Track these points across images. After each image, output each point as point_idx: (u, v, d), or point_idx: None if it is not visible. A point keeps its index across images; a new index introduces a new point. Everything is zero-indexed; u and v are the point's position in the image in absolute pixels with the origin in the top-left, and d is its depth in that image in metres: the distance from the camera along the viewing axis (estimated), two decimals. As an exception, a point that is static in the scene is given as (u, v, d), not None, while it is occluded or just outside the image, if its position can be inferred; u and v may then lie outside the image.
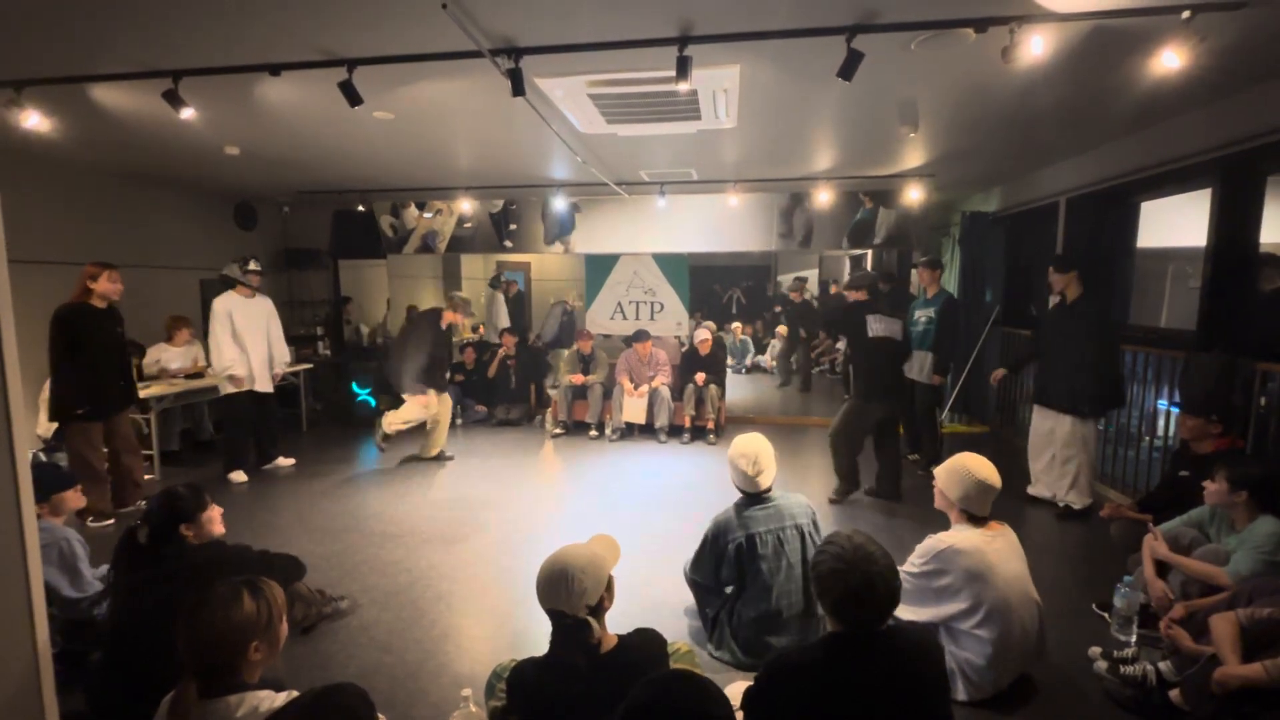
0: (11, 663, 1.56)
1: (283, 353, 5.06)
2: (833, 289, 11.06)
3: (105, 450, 4.03)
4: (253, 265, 4.85)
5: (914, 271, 5.86)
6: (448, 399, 5.29)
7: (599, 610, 1.62)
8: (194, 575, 1.95)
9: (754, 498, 2.48)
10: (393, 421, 4.99)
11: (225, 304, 4.68)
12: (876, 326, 4.14)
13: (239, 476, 4.79)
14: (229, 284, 4.81)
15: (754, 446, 2.47)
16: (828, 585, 1.45)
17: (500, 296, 8.92)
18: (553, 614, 1.58)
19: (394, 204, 7.02)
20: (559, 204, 6.48)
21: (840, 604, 1.44)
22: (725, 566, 2.48)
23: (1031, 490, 4.25)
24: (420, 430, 5.28)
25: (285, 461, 5.16)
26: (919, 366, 4.91)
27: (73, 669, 2.17)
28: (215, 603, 1.41)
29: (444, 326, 5.22)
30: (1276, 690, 1.76)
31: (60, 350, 3.83)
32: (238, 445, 4.86)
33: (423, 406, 5.08)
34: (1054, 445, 4.05)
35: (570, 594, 1.56)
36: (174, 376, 5.20)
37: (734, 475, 2.49)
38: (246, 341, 4.75)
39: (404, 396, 5.08)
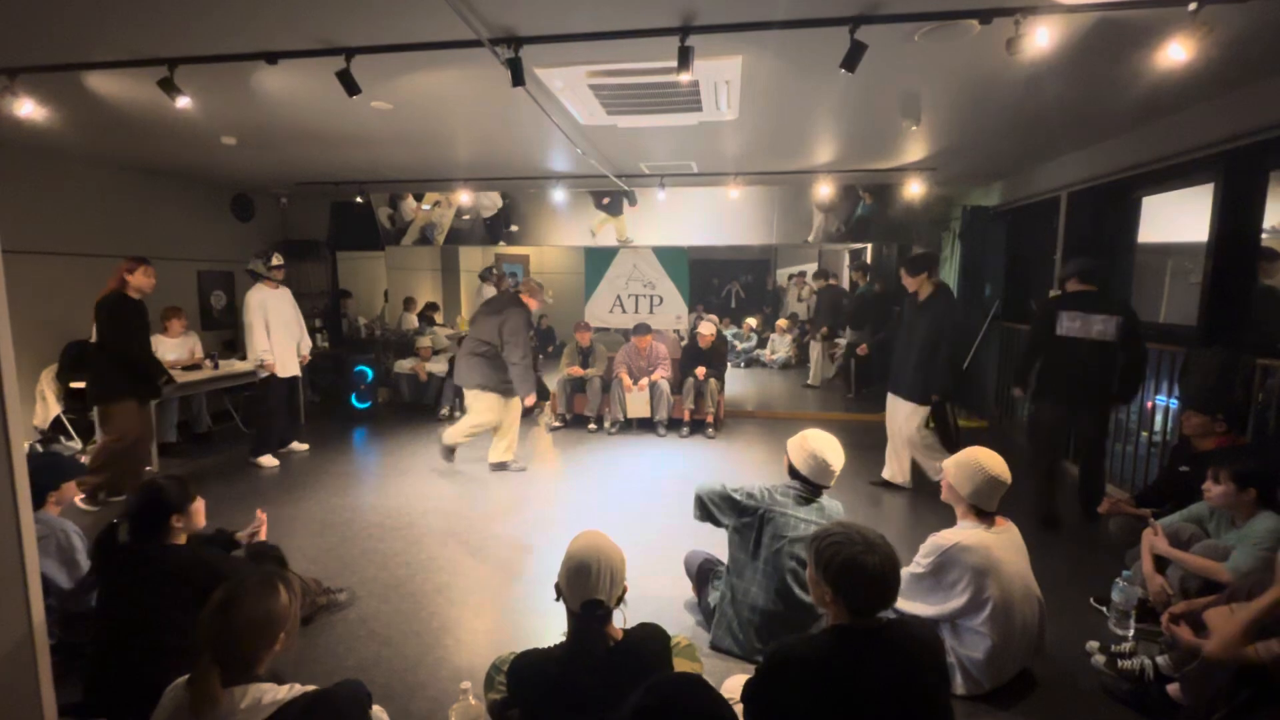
0: (8, 654, 1.55)
1: (305, 339, 5.24)
2: (831, 282, 11.05)
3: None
4: (275, 259, 5.00)
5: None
6: (517, 402, 4.71)
7: (622, 599, 1.66)
8: (183, 579, 1.93)
9: (814, 489, 2.45)
10: (455, 435, 4.67)
11: (259, 296, 4.87)
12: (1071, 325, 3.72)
13: (269, 461, 4.95)
14: (256, 277, 4.95)
15: (838, 445, 2.46)
16: (849, 572, 1.43)
17: (489, 290, 8.78)
18: (586, 605, 1.59)
19: (392, 196, 6.98)
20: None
21: (863, 588, 1.42)
22: (731, 514, 2.48)
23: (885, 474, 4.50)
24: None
25: (299, 446, 5.30)
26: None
27: (70, 660, 2.16)
28: (253, 594, 1.42)
29: (529, 316, 4.63)
30: (1268, 676, 1.75)
31: (108, 335, 3.96)
32: (270, 430, 5.04)
33: (488, 409, 4.60)
34: (895, 428, 4.36)
35: (612, 583, 1.60)
36: (170, 368, 5.18)
37: (811, 463, 2.42)
38: (279, 331, 4.93)
39: (472, 396, 4.61)
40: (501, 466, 4.81)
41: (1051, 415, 3.81)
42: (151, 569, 1.97)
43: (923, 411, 4.14)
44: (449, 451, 4.76)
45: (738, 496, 2.48)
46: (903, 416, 4.26)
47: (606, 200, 6.75)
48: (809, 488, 2.46)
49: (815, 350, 8.40)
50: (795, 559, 2.38)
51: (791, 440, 2.52)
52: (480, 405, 4.59)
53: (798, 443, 2.49)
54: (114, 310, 3.96)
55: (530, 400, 4.61)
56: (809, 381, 8.45)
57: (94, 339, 4.04)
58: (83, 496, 3.93)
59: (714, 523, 2.58)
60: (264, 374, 4.90)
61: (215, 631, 1.38)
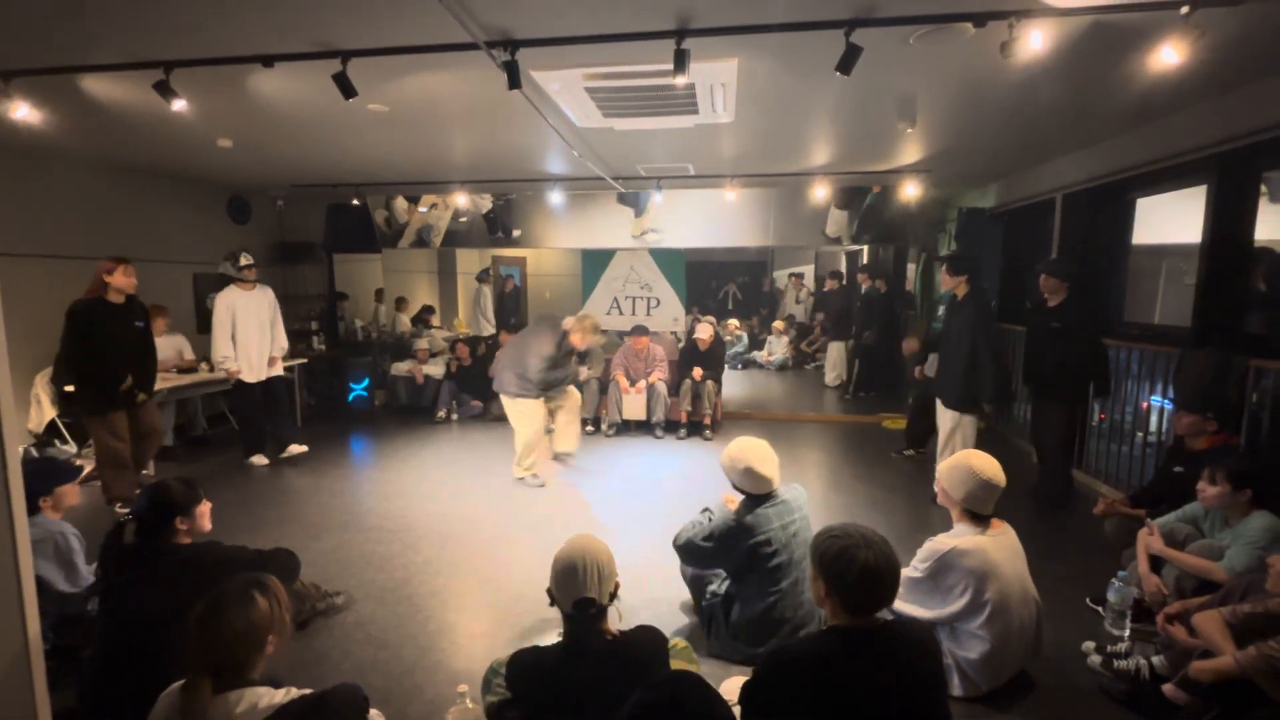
0: (3, 658, 1.55)
1: (281, 340, 5.15)
2: (828, 285, 11.05)
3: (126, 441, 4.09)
4: (244, 260, 4.93)
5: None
6: (566, 393, 4.64)
7: (615, 596, 1.66)
8: (198, 575, 1.93)
9: (760, 499, 2.43)
10: (522, 464, 4.51)
11: (227, 299, 4.85)
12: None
13: (260, 460, 4.98)
14: (226, 280, 4.92)
15: (765, 449, 2.42)
16: (842, 564, 1.43)
17: (487, 291, 8.75)
18: (578, 604, 1.59)
19: (388, 198, 6.98)
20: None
21: (856, 581, 1.42)
22: (716, 559, 2.47)
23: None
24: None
25: (297, 448, 5.27)
26: (934, 364, 4.79)
27: (65, 665, 2.15)
28: (230, 604, 1.42)
29: (568, 348, 4.47)
30: (1251, 680, 1.76)
31: (73, 344, 3.90)
32: (252, 431, 5.04)
33: (529, 416, 4.44)
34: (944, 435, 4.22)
35: (601, 579, 1.61)
36: (160, 368, 5.16)
37: (745, 479, 2.41)
38: (248, 335, 4.89)
39: (510, 404, 4.49)
40: (560, 459, 4.72)
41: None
42: (154, 567, 1.97)
43: (965, 422, 4.04)
44: (533, 478, 4.56)
45: (708, 545, 2.44)
46: (948, 427, 4.11)
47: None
48: (757, 500, 2.42)
49: (835, 350, 8.25)
50: (783, 564, 2.37)
51: (721, 460, 2.48)
52: (521, 414, 4.44)
53: (727, 463, 2.44)
54: (74, 320, 3.85)
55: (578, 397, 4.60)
56: (827, 382, 8.34)
57: (63, 344, 3.96)
58: (120, 505, 3.97)
59: (702, 569, 2.60)
60: (230, 379, 4.90)
61: (200, 646, 1.39)
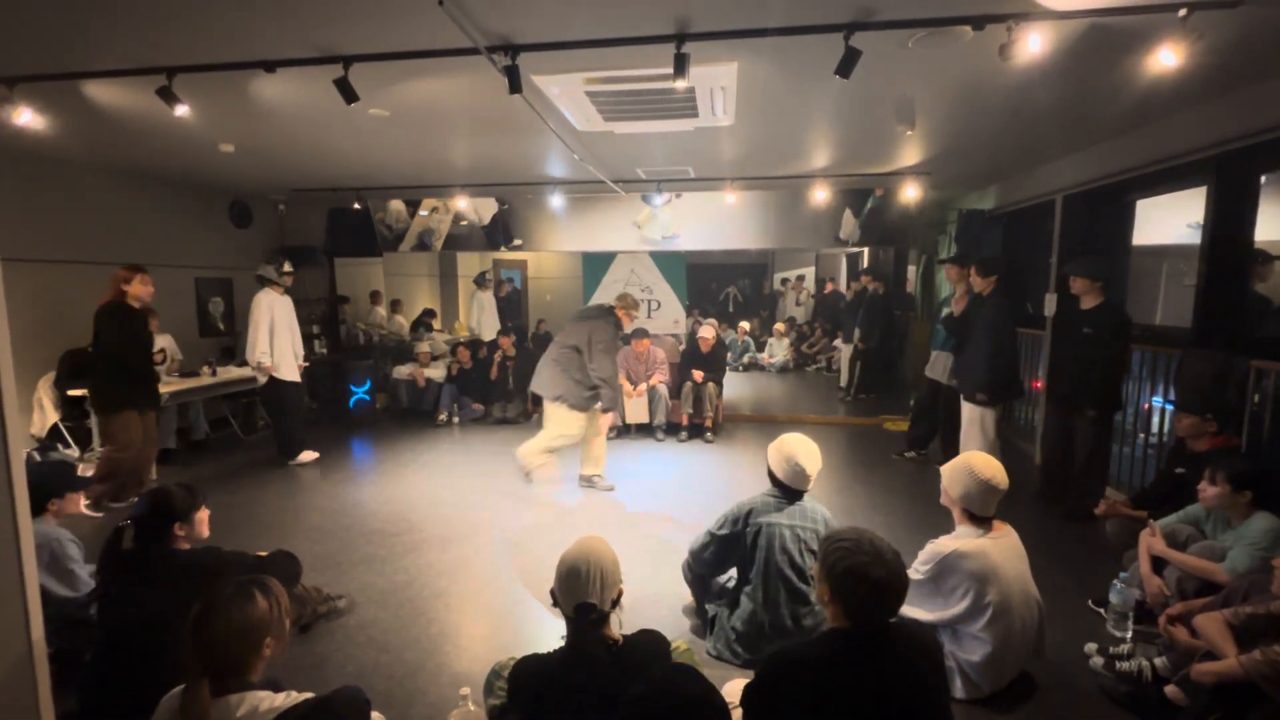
0: (7, 665, 1.55)
1: (300, 346, 5.26)
2: (828, 287, 11.07)
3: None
4: (287, 266, 5.13)
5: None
6: (596, 414, 4.46)
7: (618, 603, 1.66)
8: (198, 580, 1.93)
9: (791, 494, 2.46)
10: (532, 454, 4.32)
11: (267, 299, 4.97)
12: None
13: (308, 456, 5.14)
14: (264, 283, 5.05)
15: (814, 452, 2.46)
16: (851, 580, 1.42)
17: (486, 295, 8.66)
18: (579, 608, 1.59)
19: (389, 202, 7.01)
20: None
21: (862, 598, 1.41)
22: (734, 548, 2.47)
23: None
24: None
25: (308, 455, 5.28)
26: (941, 367, 4.82)
27: (67, 669, 2.16)
28: (229, 603, 1.42)
29: (621, 333, 4.46)
30: (1253, 684, 1.76)
31: (112, 341, 3.97)
32: (294, 430, 5.15)
33: (572, 423, 4.29)
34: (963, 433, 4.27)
35: (603, 586, 1.60)
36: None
37: (787, 469, 2.43)
38: (283, 336, 5.00)
39: (551, 407, 4.31)
40: (588, 482, 4.55)
41: None
42: (152, 572, 1.98)
43: (978, 414, 4.10)
44: (527, 474, 4.45)
45: (723, 532, 2.47)
46: (967, 420, 4.17)
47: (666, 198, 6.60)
48: (787, 493, 2.46)
49: (848, 353, 8.07)
50: (790, 567, 2.38)
51: (771, 445, 2.53)
52: (559, 418, 4.29)
53: (775, 447, 2.50)
54: (116, 317, 3.96)
55: (612, 419, 4.48)
56: (842, 384, 8.19)
57: (91, 347, 4.05)
58: (87, 502, 3.95)
59: (722, 569, 2.59)
60: (262, 377, 4.95)
61: (198, 645, 1.39)
